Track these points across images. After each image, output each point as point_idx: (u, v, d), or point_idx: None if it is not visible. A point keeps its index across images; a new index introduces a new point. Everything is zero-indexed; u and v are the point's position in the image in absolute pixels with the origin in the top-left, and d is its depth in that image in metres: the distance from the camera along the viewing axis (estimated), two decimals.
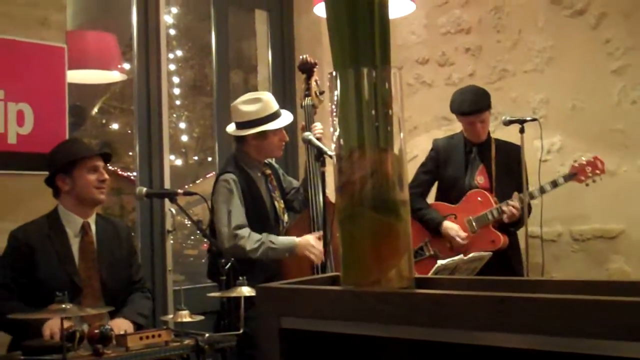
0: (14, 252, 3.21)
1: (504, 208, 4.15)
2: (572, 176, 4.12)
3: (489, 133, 4.37)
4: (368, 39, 1.17)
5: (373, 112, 1.16)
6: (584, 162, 4.12)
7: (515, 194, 4.16)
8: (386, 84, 1.18)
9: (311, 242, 3.76)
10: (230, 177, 3.85)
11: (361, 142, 1.15)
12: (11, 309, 2.93)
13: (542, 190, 4.13)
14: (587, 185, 4.12)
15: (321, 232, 3.78)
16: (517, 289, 1.13)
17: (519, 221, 4.17)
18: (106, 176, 3.39)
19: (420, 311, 1.02)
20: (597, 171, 4.09)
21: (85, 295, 3.20)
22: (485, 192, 4.29)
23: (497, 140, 4.37)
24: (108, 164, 3.55)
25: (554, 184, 4.12)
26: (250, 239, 3.73)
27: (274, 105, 3.96)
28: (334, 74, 1.19)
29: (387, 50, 1.19)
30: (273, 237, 3.78)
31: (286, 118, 4.00)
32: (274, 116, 3.93)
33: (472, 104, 4.22)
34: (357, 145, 1.16)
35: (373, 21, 1.17)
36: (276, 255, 3.75)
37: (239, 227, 3.75)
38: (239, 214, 3.79)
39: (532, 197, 4.14)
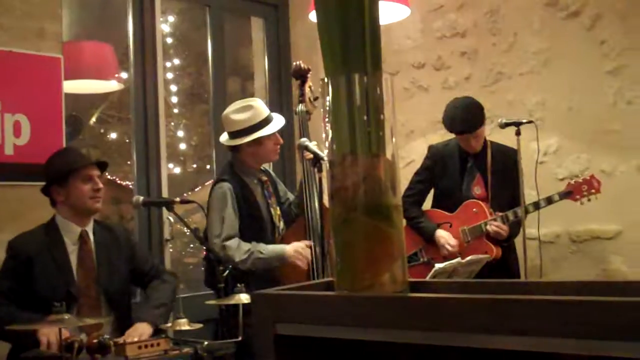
0: (11, 262, 3.22)
1: (487, 228, 4.16)
2: (567, 194, 4.10)
3: (485, 140, 4.35)
4: (359, 45, 1.18)
5: (365, 117, 1.17)
6: (580, 181, 4.09)
7: (497, 213, 4.18)
8: (378, 90, 1.18)
9: (299, 249, 3.78)
10: (225, 185, 3.87)
11: (353, 147, 1.16)
12: (7, 315, 2.95)
13: (537, 206, 4.13)
14: (581, 204, 4.10)
15: (311, 242, 3.81)
16: (511, 292, 1.14)
17: (508, 238, 4.19)
18: (100, 185, 3.38)
19: (414, 315, 1.02)
20: (593, 190, 4.07)
21: (82, 304, 3.21)
22: (482, 202, 4.27)
23: (493, 145, 4.34)
24: (105, 172, 3.55)
25: (549, 201, 4.11)
26: (239, 250, 3.74)
27: (264, 110, 3.97)
28: (325, 80, 1.19)
29: (378, 56, 1.19)
30: (262, 247, 3.79)
31: (278, 122, 4.02)
32: (267, 121, 3.94)
33: (463, 123, 4.17)
34: (349, 150, 1.16)
35: (364, 27, 1.18)
36: (266, 265, 3.77)
37: (229, 237, 3.77)
38: (230, 224, 3.80)
39: (527, 211, 4.13)
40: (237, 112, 3.93)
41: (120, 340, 2.99)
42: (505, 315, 0.93)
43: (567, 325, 0.88)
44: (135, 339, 3.02)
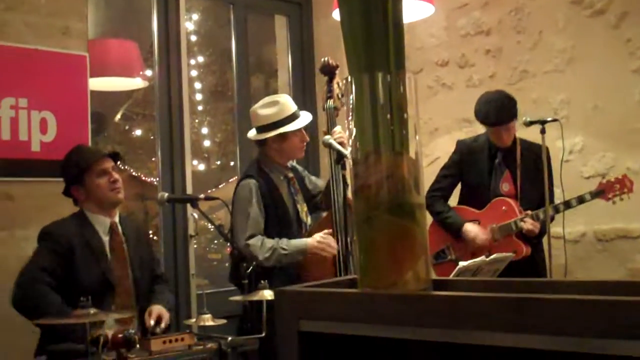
0: (52, 246, 3.19)
1: (522, 225, 4.12)
2: (599, 193, 4.04)
3: (514, 136, 4.31)
4: (383, 44, 1.18)
5: (388, 116, 1.17)
6: (613, 180, 4.04)
7: (527, 212, 4.14)
8: (401, 88, 1.18)
9: (320, 239, 3.76)
10: (251, 182, 3.87)
11: (376, 146, 1.16)
12: (47, 298, 2.98)
13: (568, 205, 4.07)
14: (614, 203, 4.05)
15: (331, 230, 3.79)
16: (534, 290, 1.14)
17: (539, 236, 4.15)
18: (116, 176, 3.40)
19: (437, 313, 1.02)
20: (625, 190, 4.02)
21: (118, 293, 3.24)
22: (511, 200, 4.22)
23: (522, 142, 4.28)
24: (119, 163, 3.57)
25: (580, 200, 4.04)
26: (262, 248, 3.73)
27: (292, 106, 3.99)
28: (349, 79, 1.20)
29: (401, 54, 1.20)
30: (284, 242, 3.78)
31: (305, 118, 4.03)
32: (293, 117, 3.96)
33: (497, 115, 4.12)
34: (373, 149, 1.17)
35: (387, 26, 1.18)
36: (290, 260, 3.76)
37: (252, 236, 3.76)
38: (254, 222, 3.80)
39: (557, 210, 4.09)
40: (264, 107, 3.95)
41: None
42: (527, 314, 0.93)
43: (589, 324, 0.88)
44: (154, 323, 3.12)
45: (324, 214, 4.03)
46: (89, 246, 3.26)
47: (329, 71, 4.07)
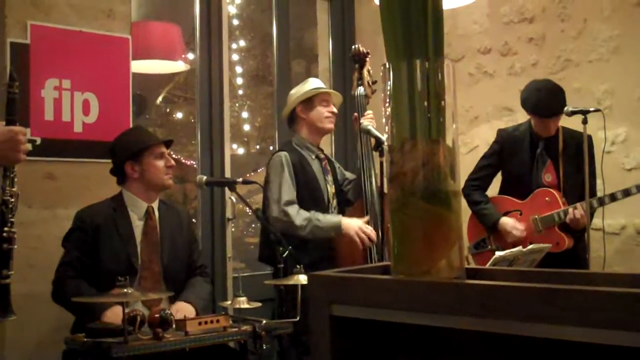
0: (79, 233, 3.30)
1: (569, 215, 4.04)
2: None
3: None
4: (421, 31, 1.18)
5: (425, 103, 1.17)
6: None
7: (576, 205, 4.04)
8: (439, 76, 1.18)
9: (360, 225, 3.78)
10: (282, 154, 3.94)
11: (413, 133, 1.16)
12: (74, 287, 3.06)
13: (613, 198, 4.00)
14: None
15: (368, 217, 3.82)
16: (568, 282, 1.13)
17: (584, 228, 4.08)
18: (172, 162, 3.48)
19: (469, 301, 1.03)
20: None
21: (145, 277, 3.27)
22: (554, 191, 4.16)
23: (565, 130, 4.21)
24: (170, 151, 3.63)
25: (626, 193, 3.97)
26: (299, 216, 3.78)
27: (311, 85, 4.10)
28: (387, 65, 1.20)
29: (440, 42, 1.20)
30: (320, 216, 3.82)
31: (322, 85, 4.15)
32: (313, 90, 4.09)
33: (548, 107, 4.05)
34: (409, 136, 1.17)
35: (426, 13, 1.18)
36: (323, 234, 3.78)
37: (288, 203, 3.81)
38: (288, 189, 3.84)
39: (601, 203, 4.03)
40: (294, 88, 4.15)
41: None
42: (559, 305, 0.93)
43: (619, 316, 0.87)
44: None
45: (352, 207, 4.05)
46: (117, 230, 3.32)
47: (360, 59, 4.12)
